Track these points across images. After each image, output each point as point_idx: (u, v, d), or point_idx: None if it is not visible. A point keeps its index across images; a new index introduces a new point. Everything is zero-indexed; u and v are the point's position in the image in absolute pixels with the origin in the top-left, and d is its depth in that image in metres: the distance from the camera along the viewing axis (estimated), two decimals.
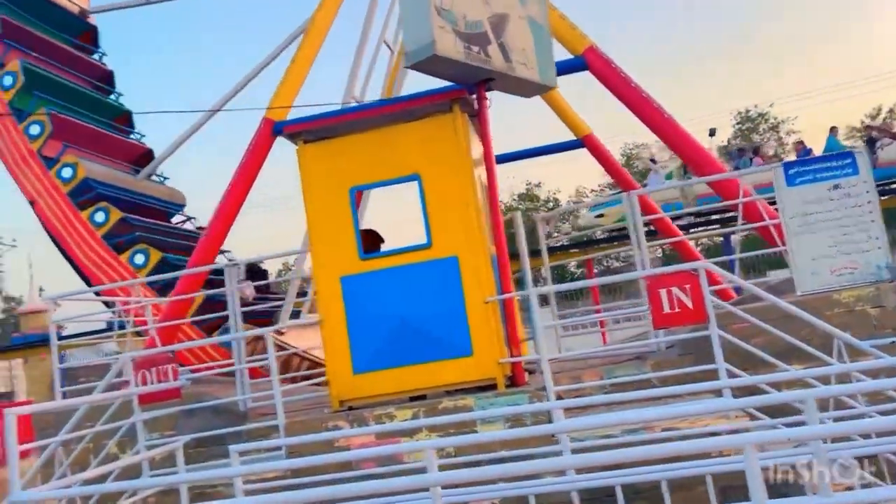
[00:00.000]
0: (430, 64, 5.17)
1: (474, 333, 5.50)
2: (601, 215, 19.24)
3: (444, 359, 5.53)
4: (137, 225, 10.52)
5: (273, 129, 8.67)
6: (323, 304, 5.76)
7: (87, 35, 13.38)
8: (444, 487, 3.73)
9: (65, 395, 7.32)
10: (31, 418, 5.68)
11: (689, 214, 15.76)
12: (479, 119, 5.77)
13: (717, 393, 4.99)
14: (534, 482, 4.48)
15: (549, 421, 5.03)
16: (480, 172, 5.84)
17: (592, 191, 42.24)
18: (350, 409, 5.67)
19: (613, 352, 6.30)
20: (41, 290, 44.75)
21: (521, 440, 4.80)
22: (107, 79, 13.31)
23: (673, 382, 5.01)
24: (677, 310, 4.80)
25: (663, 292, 4.82)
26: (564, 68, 7.47)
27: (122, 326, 8.26)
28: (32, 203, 10.49)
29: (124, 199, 10.88)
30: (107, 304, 9.73)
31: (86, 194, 10.40)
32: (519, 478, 4.62)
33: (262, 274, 10.81)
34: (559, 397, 5.08)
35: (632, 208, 6.16)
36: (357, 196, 5.94)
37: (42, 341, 27.48)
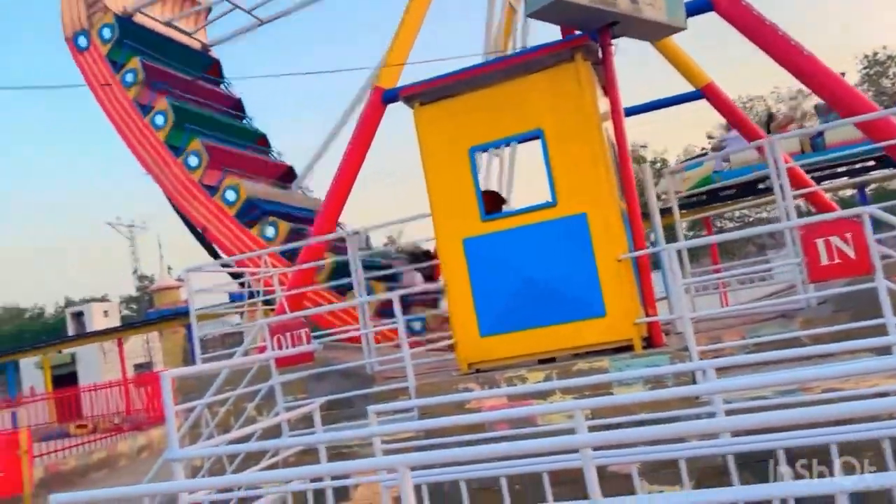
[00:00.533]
0: (551, 10, 4.92)
1: (607, 293, 5.27)
2: (686, 178, 17.82)
3: (574, 320, 5.35)
4: (306, 234, 10.92)
5: (383, 97, 8.66)
6: (447, 267, 5.69)
7: (214, 67, 13.96)
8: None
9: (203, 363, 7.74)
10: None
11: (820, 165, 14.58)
12: (604, 67, 5.46)
13: (882, 351, 4.53)
14: (681, 446, 4.24)
15: (693, 382, 4.76)
16: (607, 124, 5.54)
17: (703, 149, 40.32)
18: (477, 371, 5.61)
19: (754, 310, 5.88)
20: (169, 268, 48.03)
21: (663, 403, 4.58)
22: (238, 106, 13.86)
23: (827, 341, 4.60)
24: (837, 261, 4.37)
25: (820, 242, 4.39)
26: (689, 10, 6.96)
27: (251, 296, 8.59)
28: (204, 230, 11.05)
29: (285, 213, 11.36)
30: (234, 276, 10.15)
31: (251, 213, 10.90)
32: (662, 441, 4.40)
33: (427, 256, 10.82)
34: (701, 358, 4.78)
35: (772, 155, 5.68)
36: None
37: (174, 316, 29.48)
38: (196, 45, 13.53)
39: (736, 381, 4.29)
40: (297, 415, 5.52)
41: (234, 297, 30.79)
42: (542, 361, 5.52)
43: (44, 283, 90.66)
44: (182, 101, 11.94)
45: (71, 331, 38.15)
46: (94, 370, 34.23)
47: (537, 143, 5.59)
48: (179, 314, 29.06)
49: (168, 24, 12.46)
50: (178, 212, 11.71)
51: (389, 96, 8.73)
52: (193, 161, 11.20)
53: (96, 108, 11.78)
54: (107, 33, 11.50)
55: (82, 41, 11.64)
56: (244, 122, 13.74)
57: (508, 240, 5.53)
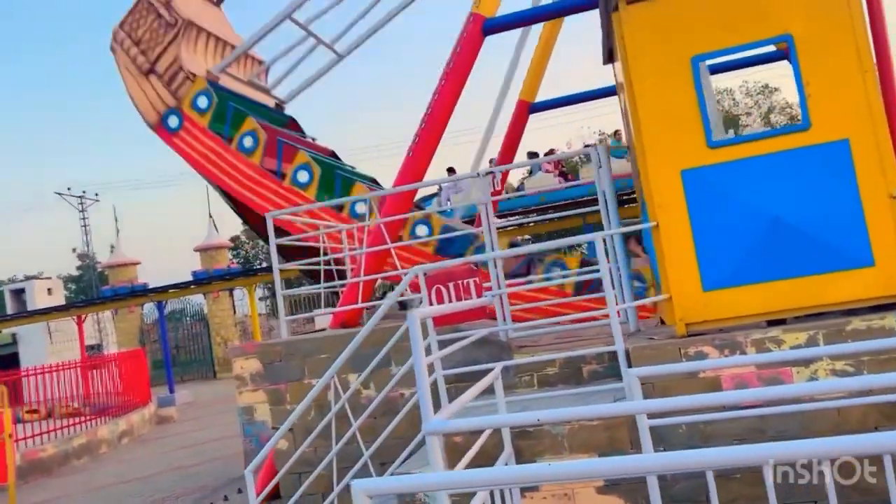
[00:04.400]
0: None
1: (875, 237, 4.27)
2: None
3: (832, 270, 4.33)
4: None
5: (484, 26, 7.46)
6: (659, 205, 4.58)
7: (292, 124, 12.13)
8: None
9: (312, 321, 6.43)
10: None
11: None
12: None
13: None
14: None
15: None
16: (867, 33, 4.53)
17: None
18: (695, 334, 4.54)
19: None
20: (111, 246, 44.84)
21: None
22: (334, 155, 12.26)
23: None
24: None
25: None
26: None
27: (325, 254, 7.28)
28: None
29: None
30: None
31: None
32: None
33: None
34: None
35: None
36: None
37: (132, 293, 27.32)
38: (271, 103, 11.69)
39: None
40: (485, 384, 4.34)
41: (197, 276, 28.67)
42: (771, 323, 4.50)
43: None
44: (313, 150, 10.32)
45: (10, 309, 35.14)
46: (39, 351, 31.55)
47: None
48: (137, 292, 27.01)
49: (249, 82, 10.57)
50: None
51: (491, 25, 7.56)
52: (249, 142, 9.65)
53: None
54: (202, 102, 9.64)
55: (173, 121, 9.73)
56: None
57: (743, 171, 4.47)
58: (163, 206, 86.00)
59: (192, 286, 24.33)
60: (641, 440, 3.50)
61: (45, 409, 16.80)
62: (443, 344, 4.79)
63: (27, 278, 39.90)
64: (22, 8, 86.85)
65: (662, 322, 6.24)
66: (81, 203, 39.12)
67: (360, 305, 7.03)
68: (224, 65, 10.13)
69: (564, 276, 6.83)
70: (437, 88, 7.55)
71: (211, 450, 12.85)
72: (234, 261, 39.40)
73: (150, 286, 27.23)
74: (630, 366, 4.43)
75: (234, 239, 48.40)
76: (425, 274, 4.70)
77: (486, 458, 4.54)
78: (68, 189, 39.94)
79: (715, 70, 7.76)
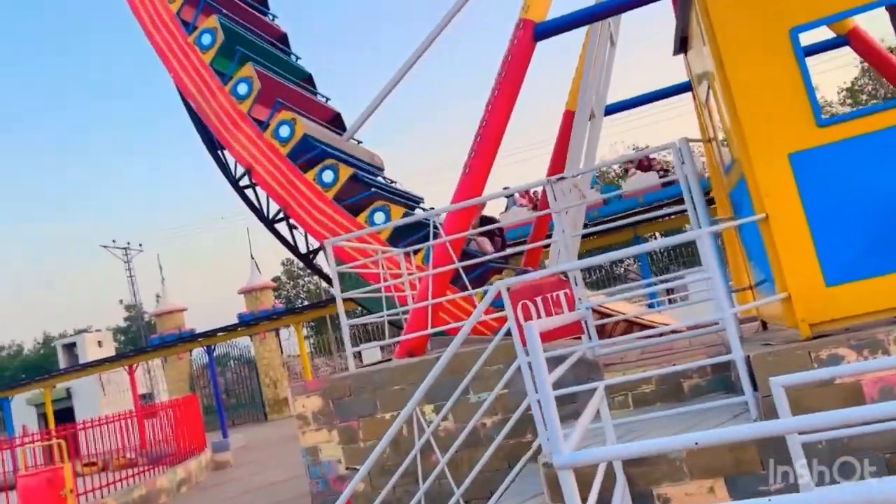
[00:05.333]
0: None
1: None
2: None
3: None
4: (369, 183, 9.22)
5: (535, 31, 7.13)
6: (767, 195, 4.11)
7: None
8: None
9: (357, 356, 6.07)
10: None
11: None
12: None
13: None
14: None
15: None
16: None
17: None
18: (820, 335, 4.02)
19: None
20: (158, 295, 45.36)
21: None
22: (283, 40, 12.17)
23: None
24: None
25: None
26: None
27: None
28: (249, 170, 9.33)
29: (342, 160, 9.60)
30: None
31: (307, 154, 9.15)
32: None
33: (492, 221, 9.36)
34: None
35: None
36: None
37: (179, 340, 27.39)
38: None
39: None
40: (595, 408, 3.88)
41: (243, 318, 28.66)
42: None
43: (14, 318, 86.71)
44: (231, 22, 10.22)
45: (63, 363, 35.65)
46: (92, 404, 31.82)
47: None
48: (185, 338, 27.08)
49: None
50: (215, 153, 9.96)
51: (543, 30, 7.23)
52: (242, 89, 9.46)
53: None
54: (206, 39, 9.75)
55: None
56: (290, 58, 12.02)
57: (861, 150, 3.98)
58: (205, 250, 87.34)
59: (240, 328, 24.28)
60: (794, 459, 3.02)
61: (102, 461, 16.68)
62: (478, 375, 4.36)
63: (77, 332, 40.54)
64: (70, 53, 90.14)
65: (764, 326, 5.72)
66: (126, 253, 39.74)
67: (425, 332, 6.64)
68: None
69: (650, 285, 6.33)
70: (489, 99, 7.21)
71: (273, 493, 12.48)
72: (278, 301, 39.43)
73: (197, 331, 27.33)
74: (753, 376, 3.93)
75: (275, 279, 48.66)
76: (508, 288, 4.29)
77: (590, 489, 4.07)
78: (113, 241, 40.68)
79: None
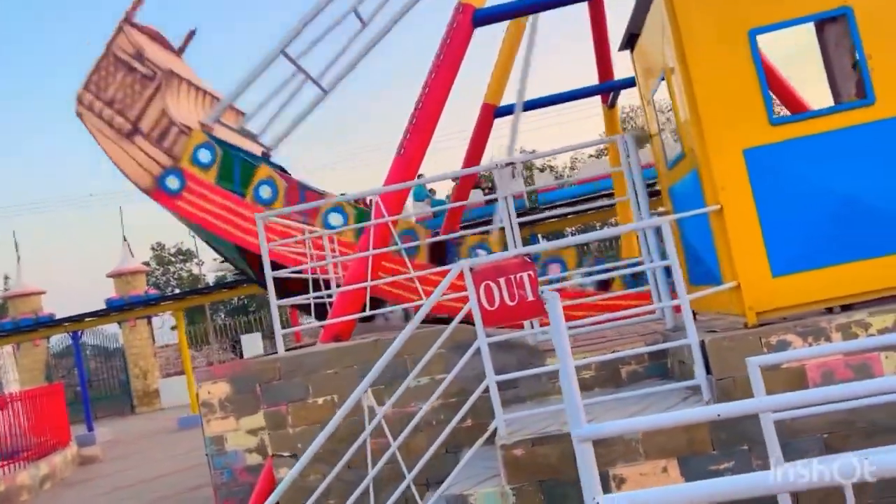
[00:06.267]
0: None
1: None
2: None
3: None
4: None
5: (474, 17, 7.09)
6: (722, 187, 4.29)
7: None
8: None
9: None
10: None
11: None
12: None
13: None
14: None
15: None
16: None
17: None
18: (765, 323, 4.25)
19: None
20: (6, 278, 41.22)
21: None
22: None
23: None
24: None
25: None
26: None
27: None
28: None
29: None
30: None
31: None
32: None
33: None
34: None
35: None
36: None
37: (35, 326, 25.07)
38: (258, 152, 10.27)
39: None
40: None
41: (112, 303, 26.76)
42: (844, 308, 4.27)
43: None
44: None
45: None
46: None
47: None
48: (45, 323, 24.82)
49: (242, 131, 9.27)
50: None
51: (482, 16, 7.20)
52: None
53: None
54: (205, 157, 8.41)
55: (173, 182, 8.39)
56: None
57: (809, 149, 4.24)
58: (68, 229, 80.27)
59: (112, 313, 22.56)
60: (767, 439, 3.14)
61: None
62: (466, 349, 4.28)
63: None
64: None
65: (695, 315, 5.98)
66: None
67: (353, 317, 6.42)
68: (218, 113, 8.92)
69: (604, 272, 6.46)
70: (426, 82, 7.09)
71: (148, 490, 11.67)
72: (150, 287, 37.00)
73: (58, 317, 25.11)
74: (707, 361, 4.08)
75: (146, 265, 45.76)
76: (472, 268, 4.20)
77: (548, 471, 4.07)
78: None
79: None
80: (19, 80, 77.80)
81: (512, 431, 4.23)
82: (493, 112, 10.70)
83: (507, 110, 10.87)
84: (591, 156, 37.49)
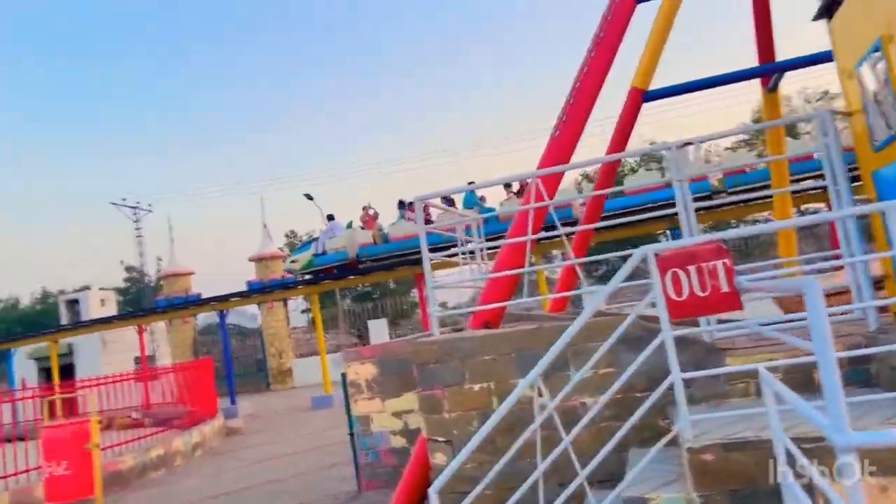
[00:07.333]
0: None
1: None
2: (294, 261, 22.03)
3: None
4: None
5: None
6: None
7: None
8: None
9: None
10: None
11: None
12: None
13: None
14: None
15: None
16: None
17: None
18: None
19: None
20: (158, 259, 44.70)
21: None
22: None
23: None
24: None
25: None
26: None
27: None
28: None
29: None
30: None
31: None
32: None
33: None
34: None
35: None
36: None
37: (185, 304, 26.95)
38: None
39: None
40: None
41: (252, 286, 28.31)
42: None
43: (9, 272, 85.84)
44: None
45: (65, 320, 35.25)
46: (93, 362, 31.48)
47: None
48: (195, 302, 26.61)
49: None
50: None
51: None
52: None
53: None
54: None
55: None
56: None
57: None
58: (217, 216, 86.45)
59: (253, 295, 23.86)
60: None
61: (107, 419, 16.32)
62: (634, 343, 3.94)
63: (77, 290, 40.02)
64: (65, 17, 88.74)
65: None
66: (135, 213, 39.17)
67: (503, 304, 6.24)
68: None
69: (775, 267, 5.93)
70: (585, 60, 6.78)
71: (291, 464, 12.12)
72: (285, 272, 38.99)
73: (203, 297, 26.88)
74: None
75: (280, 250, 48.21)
76: (657, 254, 3.87)
77: (743, 479, 3.69)
78: (123, 199, 40.08)
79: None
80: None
81: (698, 434, 3.87)
82: (641, 96, 10.17)
83: (657, 94, 10.30)
84: (726, 148, 35.29)
